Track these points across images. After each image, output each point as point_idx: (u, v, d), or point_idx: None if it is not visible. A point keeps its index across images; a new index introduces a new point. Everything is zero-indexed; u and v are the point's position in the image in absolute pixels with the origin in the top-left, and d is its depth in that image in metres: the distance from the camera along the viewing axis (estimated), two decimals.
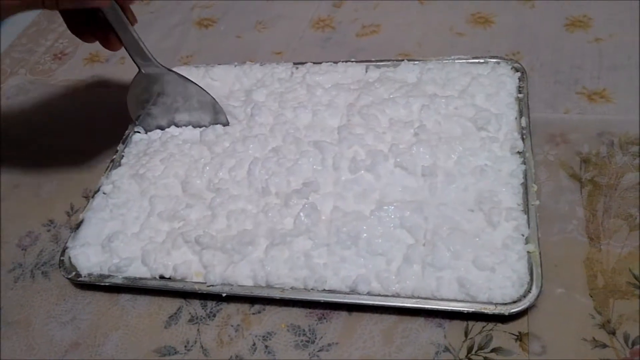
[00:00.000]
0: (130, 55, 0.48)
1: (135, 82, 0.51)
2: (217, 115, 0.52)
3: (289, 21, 0.68)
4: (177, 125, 0.54)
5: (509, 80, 0.50)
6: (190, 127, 0.53)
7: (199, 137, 0.51)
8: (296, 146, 0.48)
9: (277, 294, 0.40)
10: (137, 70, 0.50)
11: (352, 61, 0.56)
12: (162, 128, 0.54)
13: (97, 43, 0.48)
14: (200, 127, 0.53)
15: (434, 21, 0.63)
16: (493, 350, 0.37)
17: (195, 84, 0.51)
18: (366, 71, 0.54)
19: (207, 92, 0.51)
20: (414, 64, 0.54)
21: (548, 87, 0.52)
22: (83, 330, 0.43)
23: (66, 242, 0.46)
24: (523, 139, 0.45)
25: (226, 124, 0.52)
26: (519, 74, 0.51)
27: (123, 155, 0.52)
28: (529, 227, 0.40)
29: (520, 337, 0.37)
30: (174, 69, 0.51)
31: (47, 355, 0.42)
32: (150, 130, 0.54)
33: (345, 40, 0.64)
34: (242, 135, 0.50)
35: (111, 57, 0.68)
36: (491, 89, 0.49)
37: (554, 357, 0.36)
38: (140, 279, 0.43)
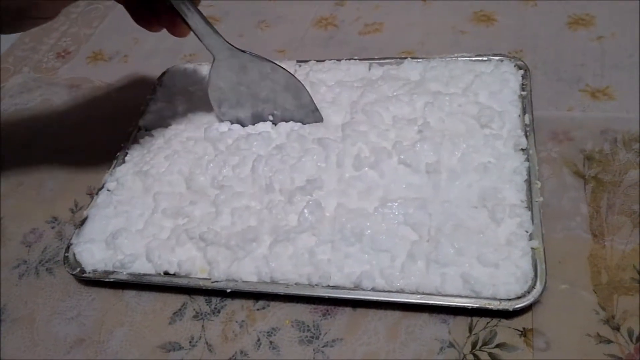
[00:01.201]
0: (201, 41, 0.46)
1: (213, 73, 0.48)
2: (301, 95, 0.49)
3: (292, 20, 0.68)
4: (262, 119, 0.51)
5: (512, 78, 0.50)
6: (261, 122, 0.51)
7: (202, 134, 0.51)
8: (300, 143, 0.48)
9: (281, 290, 0.41)
10: (212, 59, 0.47)
11: (355, 59, 0.56)
12: (243, 123, 0.51)
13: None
14: (288, 120, 0.50)
15: (437, 19, 0.63)
16: (497, 346, 0.37)
17: (276, 64, 0.47)
18: (369, 69, 0.55)
19: (287, 71, 0.47)
20: (417, 62, 0.54)
21: (551, 85, 0.52)
22: (88, 327, 0.43)
23: (70, 239, 0.46)
24: (526, 136, 0.45)
25: (320, 120, 0.49)
26: (522, 71, 0.51)
27: (127, 152, 0.52)
28: (532, 223, 0.40)
29: (524, 333, 0.37)
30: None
31: (52, 352, 0.42)
32: (235, 123, 0.51)
33: (348, 39, 0.64)
34: (246, 133, 0.50)
35: (114, 55, 0.69)
36: (494, 86, 0.49)
37: (558, 352, 0.36)
38: (145, 275, 0.43)
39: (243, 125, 0.51)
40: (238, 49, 0.46)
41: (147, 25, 0.45)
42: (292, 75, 0.48)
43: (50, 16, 0.39)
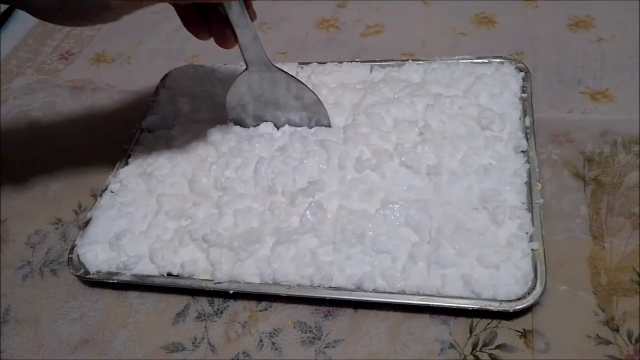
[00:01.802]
0: (242, 52, 0.46)
1: (240, 80, 0.48)
2: (320, 117, 0.50)
3: (293, 22, 0.69)
4: (276, 126, 0.51)
5: (513, 80, 0.50)
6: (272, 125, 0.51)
7: (205, 135, 0.52)
8: (302, 145, 0.48)
9: (283, 291, 0.41)
10: (244, 67, 0.48)
11: (357, 61, 0.56)
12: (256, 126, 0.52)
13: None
14: (299, 127, 0.51)
15: (438, 21, 0.63)
16: (498, 347, 0.38)
17: (303, 84, 0.48)
18: (371, 71, 0.55)
19: (314, 93, 0.49)
20: (419, 64, 0.54)
21: (551, 87, 0.53)
22: (91, 327, 0.43)
23: (74, 240, 0.47)
24: (527, 138, 0.46)
25: (328, 125, 0.50)
26: (522, 73, 0.51)
27: (130, 154, 0.53)
28: (533, 225, 0.40)
29: (524, 334, 0.38)
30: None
31: (56, 352, 0.43)
32: (245, 127, 0.52)
33: (349, 41, 0.64)
34: (248, 135, 0.51)
35: (117, 57, 0.69)
36: (495, 88, 0.50)
37: (558, 353, 0.37)
38: (148, 276, 0.44)
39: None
40: (275, 65, 0.47)
41: (197, 33, 0.45)
42: (318, 99, 0.49)
43: (116, 18, 0.39)
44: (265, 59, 0.46)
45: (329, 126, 0.50)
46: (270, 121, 0.51)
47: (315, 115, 0.50)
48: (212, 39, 0.46)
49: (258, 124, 0.51)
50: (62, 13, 0.37)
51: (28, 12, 0.39)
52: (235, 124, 0.52)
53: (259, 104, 0.50)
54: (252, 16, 0.44)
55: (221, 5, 0.42)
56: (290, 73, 0.48)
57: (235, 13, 0.43)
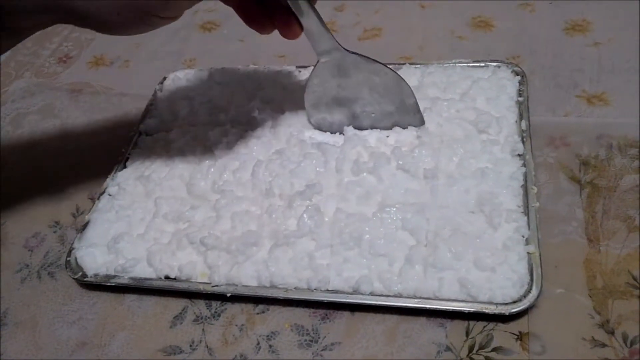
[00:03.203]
0: (310, 42, 0.44)
1: (313, 77, 0.46)
2: (413, 114, 0.47)
3: None
4: (359, 128, 0.49)
5: (509, 84, 0.51)
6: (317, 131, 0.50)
7: (203, 139, 0.52)
8: (299, 148, 0.49)
9: (281, 294, 0.41)
10: (316, 62, 0.45)
11: None
12: (334, 129, 0.50)
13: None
14: (385, 123, 0.48)
15: (435, 25, 0.64)
16: (494, 350, 0.38)
17: (382, 64, 0.45)
18: None
19: (395, 72, 0.45)
20: (416, 68, 0.54)
21: (548, 91, 0.53)
22: (89, 330, 0.44)
23: (72, 243, 0.47)
24: (523, 142, 0.46)
25: (421, 124, 0.48)
26: (519, 77, 0.51)
27: (128, 157, 0.53)
28: (529, 228, 0.41)
29: (520, 337, 0.38)
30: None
31: (54, 355, 0.43)
32: (328, 132, 0.50)
33: (347, 44, 0.63)
34: (246, 137, 0.51)
35: (115, 60, 0.69)
36: (492, 92, 0.50)
37: (553, 356, 0.37)
38: (146, 279, 0.44)
39: (332, 132, 0.50)
40: (348, 50, 0.45)
41: (259, 27, 0.44)
42: (400, 77, 0.46)
43: (176, 16, 0.39)
44: (335, 44, 0.44)
45: (417, 105, 0.47)
46: (352, 114, 0.49)
47: (400, 96, 0.47)
48: (275, 32, 0.44)
49: (341, 119, 0.49)
50: (122, 22, 0.37)
51: (95, 30, 0.39)
52: (318, 124, 0.50)
53: (337, 97, 0.48)
54: (314, 0, 0.42)
55: None
56: (364, 55, 0.45)
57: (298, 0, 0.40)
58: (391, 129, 0.49)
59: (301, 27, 0.42)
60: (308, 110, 0.49)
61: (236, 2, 0.43)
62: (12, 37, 0.40)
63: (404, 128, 0.48)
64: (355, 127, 0.49)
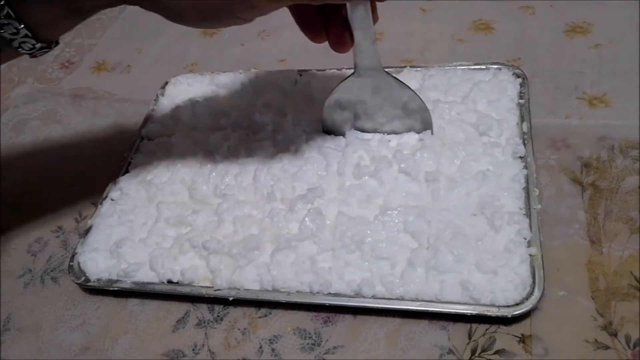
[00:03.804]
0: (355, 56, 0.44)
1: (344, 86, 0.46)
2: (425, 124, 0.48)
3: (292, 29, 0.68)
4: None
5: (510, 86, 0.51)
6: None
7: (205, 143, 0.52)
8: (301, 152, 0.49)
9: (283, 298, 0.41)
10: (353, 72, 0.45)
11: None
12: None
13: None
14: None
15: (436, 28, 0.64)
16: (496, 352, 0.38)
17: (411, 90, 0.46)
18: None
19: (421, 99, 0.46)
20: (417, 71, 0.54)
21: (549, 93, 0.53)
22: (92, 335, 0.44)
23: (75, 248, 0.47)
24: (524, 144, 0.46)
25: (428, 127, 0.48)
26: (520, 79, 0.51)
27: (130, 162, 0.53)
28: (531, 230, 0.41)
29: (523, 339, 0.38)
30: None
31: None
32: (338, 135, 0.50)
33: None
34: (248, 142, 0.51)
35: (117, 65, 0.69)
36: (493, 94, 0.50)
37: (556, 358, 0.37)
38: (149, 283, 0.44)
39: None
40: (386, 72, 0.45)
41: (313, 35, 0.43)
42: (426, 107, 0.47)
43: (252, 18, 0.39)
44: (379, 64, 0.44)
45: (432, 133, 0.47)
46: (367, 131, 0.49)
47: (420, 124, 0.48)
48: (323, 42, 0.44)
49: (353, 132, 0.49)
50: (197, 13, 0.37)
51: (164, 15, 0.39)
52: (328, 132, 0.50)
53: (359, 112, 0.48)
54: (375, 18, 0.42)
55: (344, 7, 0.40)
56: (400, 80, 0.46)
57: (360, 15, 0.40)
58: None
59: (352, 41, 0.42)
60: (324, 115, 0.49)
61: (297, 8, 0.43)
62: (77, 16, 0.40)
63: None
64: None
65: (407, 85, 0.46)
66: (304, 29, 0.43)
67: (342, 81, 0.46)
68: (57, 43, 0.42)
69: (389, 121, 0.48)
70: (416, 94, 0.46)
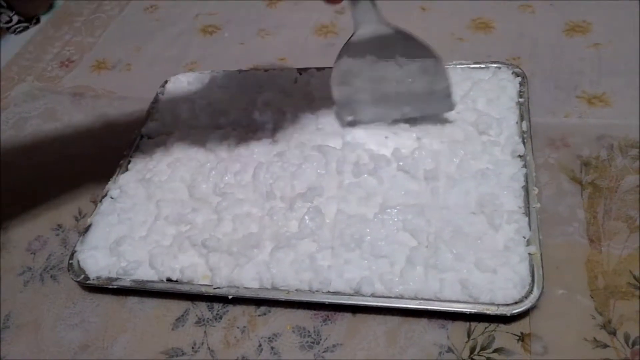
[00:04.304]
0: (353, 8, 0.41)
1: (346, 49, 0.42)
2: (442, 98, 0.44)
3: (292, 28, 0.69)
4: (386, 114, 0.46)
5: (510, 85, 0.51)
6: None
7: (204, 141, 0.52)
8: (300, 151, 0.49)
9: (282, 296, 0.41)
10: (351, 34, 0.42)
11: None
12: (362, 119, 0.47)
13: None
14: (413, 113, 0.46)
15: (435, 27, 0.64)
16: (495, 351, 0.38)
17: (422, 42, 0.42)
18: None
19: (434, 51, 0.42)
20: None
21: (548, 92, 0.53)
22: (91, 333, 0.44)
23: (75, 246, 0.47)
24: (524, 143, 0.46)
25: (450, 109, 0.45)
26: (519, 78, 0.52)
27: (130, 160, 0.53)
28: (530, 229, 0.41)
29: (522, 338, 0.38)
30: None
31: (57, 357, 0.43)
32: (352, 116, 0.47)
33: None
34: (247, 140, 0.51)
35: (117, 64, 0.69)
36: (492, 93, 0.50)
37: (555, 357, 0.37)
38: (148, 281, 0.44)
39: (355, 115, 0.48)
40: (390, 23, 0.41)
41: None
42: (438, 57, 0.43)
43: None
44: (379, 15, 0.41)
45: (449, 88, 0.44)
46: (382, 101, 0.46)
47: (434, 78, 0.44)
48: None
49: (369, 106, 0.47)
50: None
51: None
52: (346, 112, 0.47)
53: (368, 77, 0.45)
54: None
55: None
56: (405, 29, 0.41)
57: None
58: (416, 116, 0.46)
59: None
60: (333, 88, 0.47)
61: None
62: None
63: (430, 115, 0.46)
64: (378, 110, 0.47)
65: (415, 37, 0.42)
66: None
67: (345, 45, 0.44)
68: (37, 21, 0.41)
69: (401, 81, 0.45)
70: (425, 43, 0.42)
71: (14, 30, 0.39)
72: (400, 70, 0.44)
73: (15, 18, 0.38)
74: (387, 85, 0.46)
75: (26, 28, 0.40)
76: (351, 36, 0.43)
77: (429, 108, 0.46)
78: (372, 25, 0.42)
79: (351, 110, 0.49)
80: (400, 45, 0.43)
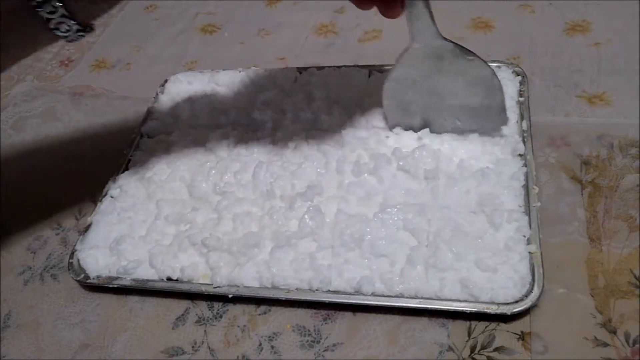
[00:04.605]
0: (409, 22, 0.41)
1: (402, 62, 0.43)
2: (497, 113, 0.44)
3: (292, 27, 0.69)
4: (438, 124, 0.46)
5: (510, 84, 0.51)
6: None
7: (204, 141, 0.52)
8: (300, 150, 0.49)
9: (282, 295, 0.41)
10: (407, 47, 0.42)
11: (355, 66, 0.56)
12: (413, 126, 0.47)
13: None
14: (467, 125, 0.46)
15: None
16: (496, 350, 0.38)
17: (477, 56, 0.42)
18: (369, 76, 0.55)
19: (489, 66, 0.42)
20: None
21: (548, 91, 0.53)
22: (92, 332, 0.44)
23: (75, 245, 0.47)
24: (524, 142, 0.46)
25: (503, 123, 0.45)
26: (519, 78, 0.51)
27: (130, 159, 0.53)
28: (530, 228, 0.41)
29: (522, 337, 0.38)
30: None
31: (57, 357, 0.43)
32: (399, 126, 0.47)
33: (347, 46, 0.64)
34: (247, 139, 0.51)
35: (117, 63, 0.69)
36: None
37: (556, 355, 0.37)
38: (148, 280, 0.44)
39: (404, 126, 0.48)
40: (445, 38, 0.42)
41: (359, 2, 0.41)
42: (494, 72, 0.43)
43: None
44: (436, 29, 0.41)
45: (503, 103, 0.44)
46: (434, 111, 0.46)
47: (489, 93, 0.44)
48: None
49: (420, 116, 0.46)
50: None
51: None
52: (394, 119, 0.47)
53: (421, 89, 0.45)
54: None
55: None
56: (460, 44, 0.42)
57: None
58: (470, 132, 0.46)
59: (402, 6, 0.40)
60: (384, 102, 0.47)
61: None
62: None
63: (482, 130, 0.46)
64: (429, 122, 0.47)
65: (471, 51, 0.42)
66: None
67: (400, 56, 0.43)
68: (91, 28, 0.41)
69: (454, 94, 0.45)
70: (484, 61, 0.42)
71: (71, 39, 0.40)
72: (454, 83, 0.44)
73: (75, 27, 0.38)
74: (440, 98, 0.46)
75: (82, 37, 0.40)
76: (407, 47, 0.43)
77: (482, 122, 0.46)
78: (429, 38, 0.42)
79: (400, 120, 0.48)
80: (455, 58, 0.43)
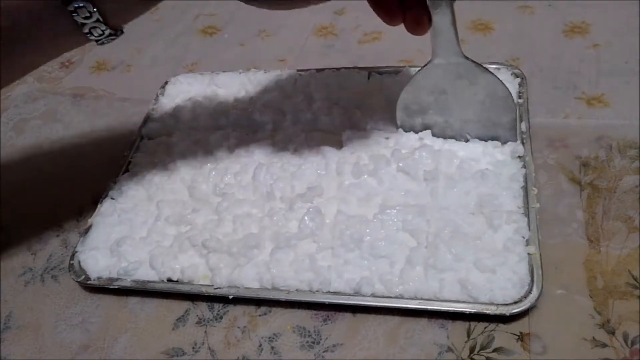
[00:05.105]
0: (432, 39, 0.42)
1: (422, 74, 0.45)
2: (507, 130, 0.46)
3: (292, 29, 0.69)
4: (447, 134, 0.47)
5: (509, 86, 0.50)
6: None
7: (205, 142, 0.52)
8: (300, 151, 0.49)
9: (282, 296, 0.41)
10: (429, 60, 0.44)
11: (355, 68, 0.57)
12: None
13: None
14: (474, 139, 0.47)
15: None
16: (495, 350, 0.38)
17: (497, 78, 0.44)
18: (368, 78, 0.55)
19: (507, 88, 0.44)
20: (416, 70, 0.54)
21: (547, 93, 0.53)
22: (92, 333, 0.44)
23: (75, 247, 0.47)
24: (523, 144, 0.46)
25: (512, 139, 0.46)
26: (518, 79, 0.52)
27: (130, 161, 0.53)
28: (529, 229, 0.41)
29: (521, 337, 0.38)
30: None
31: (57, 358, 0.43)
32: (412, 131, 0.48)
33: (347, 48, 0.65)
34: (247, 141, 0.51)
35: (117, 65, 0.70)
36: None
37: (554, 356, 0.37)
38: (148, 282, 0.44)
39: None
40: (467, 57, 0.43)
41: (388, 17, 0.41)
42: (509, 92, 0.45)
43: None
44: (458, 48, 0.42)
45: (514, 121, 0.45)
46: (445, 123, 0.47)
47: (502, 111, 0.45)
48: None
49: (432, 125, 0.48)
50: None
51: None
52: (403, 128, 0.48)
53: (436, 102, 0.46)
54: None
55: None
56: (483, 65, 0.44)
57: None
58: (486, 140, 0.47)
59: (430, 24, 0.41)
60: (398, 108, 0.48)
61: None
62: (147, 1, 0.40)
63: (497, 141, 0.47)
64: (441, 134, 0.48)
65: (490, 71, 0.44)
66: (378, 11, 0.41)
67: (421, 70, 0.45)
68: (122, 31, 0.42)
69: (468, 111, 0.46)
70: (500, 80, 0.44)
71: (102, 43, 0.40)
72: (469, 100, 0.45)
73: (107, 31, 0.39)
74: (453, 113, 0.47)
75: (112, 40, 0.41)
76: (428, 61, 0.44)
77: (491, 137, 0.47)
78: (451, 56, 0.43)
79: (414, 129, 0.49)
80: (475, 77, 0.44)
